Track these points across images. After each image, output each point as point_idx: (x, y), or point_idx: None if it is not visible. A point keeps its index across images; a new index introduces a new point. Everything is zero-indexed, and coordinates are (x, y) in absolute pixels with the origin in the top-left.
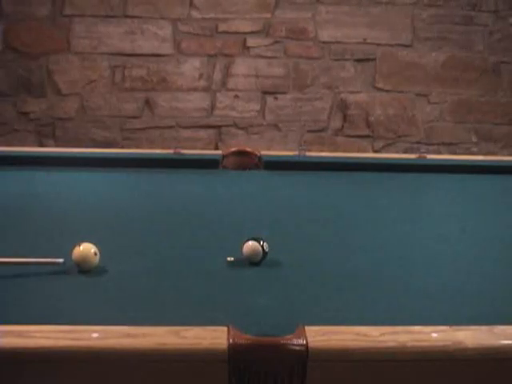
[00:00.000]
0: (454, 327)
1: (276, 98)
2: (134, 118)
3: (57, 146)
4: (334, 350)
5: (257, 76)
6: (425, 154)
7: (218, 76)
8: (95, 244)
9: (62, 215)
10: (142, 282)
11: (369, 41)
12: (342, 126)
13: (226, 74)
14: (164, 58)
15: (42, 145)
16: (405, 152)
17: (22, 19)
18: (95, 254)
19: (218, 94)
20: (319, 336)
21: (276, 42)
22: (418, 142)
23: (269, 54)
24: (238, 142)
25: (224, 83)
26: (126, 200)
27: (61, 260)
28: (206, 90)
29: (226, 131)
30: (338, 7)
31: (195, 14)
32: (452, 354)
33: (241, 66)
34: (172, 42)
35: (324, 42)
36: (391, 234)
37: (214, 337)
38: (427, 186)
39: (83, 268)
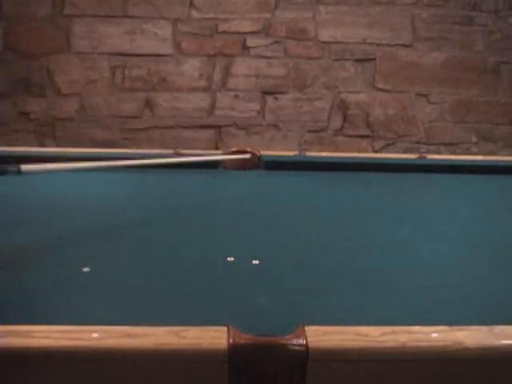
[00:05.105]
0: (454, 327)
1: (276, 98)
2: (134, 117)
3: (57, 145)
4: (334, 350)
5: (257, 76)
6: (425, 154)
7: (217, 76)
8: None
9: (61, 215)
10: (142, 281)
11: (369, 41)
12: (342, 126)
13: (226, 74)
14: (164, 57)
15: (41, 145)
16: (405, 152)
17: (22, 19)
18: None
19: (218, 94)
20: (319, 336)
21: (276, 42)
22: (418, 142)
23: (269, 54)
24: (237, 142)
25: (224, 83)
26: (125, 200)
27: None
28: (206, 90)
29: (225, 131)
30: (338, 7)
31: (195, 14)
32: (452, 354)
33: (241, 66)
34: (172, 42)
35: (324, 42)
36: (391, 234)
37: (213, 337)
38: (427, 185)
39: None
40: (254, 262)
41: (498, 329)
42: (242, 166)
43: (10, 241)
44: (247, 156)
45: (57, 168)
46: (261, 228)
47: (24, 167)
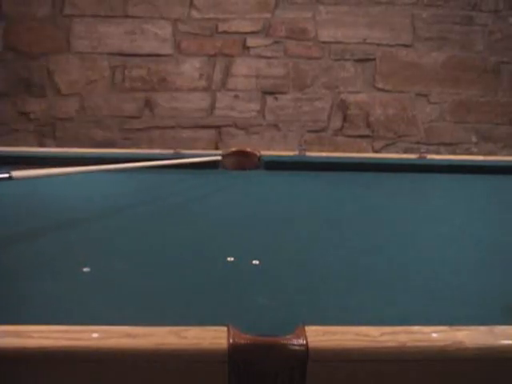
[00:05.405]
0: (454, 327)
1: (276, 98)
2: (134, 118)
3: (57, 146)
4: (334, 350)
5: (257, 76)
6: (425, 154)
7: (217, 76)
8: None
9: (62, 215)
10: (142, 281)
11: (369, 41)
12: (342, 126)
13: (226, 74)
14: (164, 58)
15: (42, 145)
16: (405, 152)
17: (22, 19)
18: None
19: (218, 94)
20: (319, 336)
21: (276, 42)
22: (418, 142)
23: (269, 54)
24: (237, 142)
25: (224, 83)
26: (125, 200)
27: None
28: (206, 90)
29: (226, 131)
30: (338, 7)
31: (195, 14)
32: (452, 354)
33: (241, 66)
34: (172, 42)
35: (324, 42)
36: (391, 234)
37: (213, 337)
38: (427, 185)
39: None
40: (254, 262)
41: (498, 329)
42: (241, 166)
43: (9, 241)
44: (218, 158)
45: (48, 173)
46: (261, 228)
47: (15, 173)
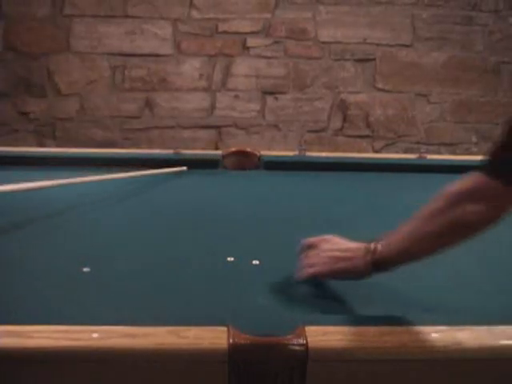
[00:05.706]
0: (454, 327)
1: (276, 98)
2: (134, 118)
3: (57, 146)
4: (334, 350)
5: (257, 76)
6: (425, 154)
7: (217, 76)
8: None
9: (62, 215)
10: (142, 281)
11: (369, 41)
12: (342, 126)
13: (226, 74)
14: (164, 58)
15: (42, 145)
16: (405, 152)
17: (22, 19)
18: None
19: (218, 94)
20: (319, 336)
21: (276, 42)
22: (418, 142)
23: (269, 54)
24: (237, 142)
25: (224, 83)
26: (125, 200)
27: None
28: (206, 90)
29: (226, 131)
30: (338, 7)
31: (195, 14)
32: (452, 354)
33: (241, 66)
34: (172, 42)
35: (324, 42)
36: None
37: (213, 337)
38: (427, 185)
39: None
40: (254, 262)
41: (498, 329)
42: (241, 166)
43: (8, 242)
44: (184, 168)
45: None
46: (261, 228)
47: None
